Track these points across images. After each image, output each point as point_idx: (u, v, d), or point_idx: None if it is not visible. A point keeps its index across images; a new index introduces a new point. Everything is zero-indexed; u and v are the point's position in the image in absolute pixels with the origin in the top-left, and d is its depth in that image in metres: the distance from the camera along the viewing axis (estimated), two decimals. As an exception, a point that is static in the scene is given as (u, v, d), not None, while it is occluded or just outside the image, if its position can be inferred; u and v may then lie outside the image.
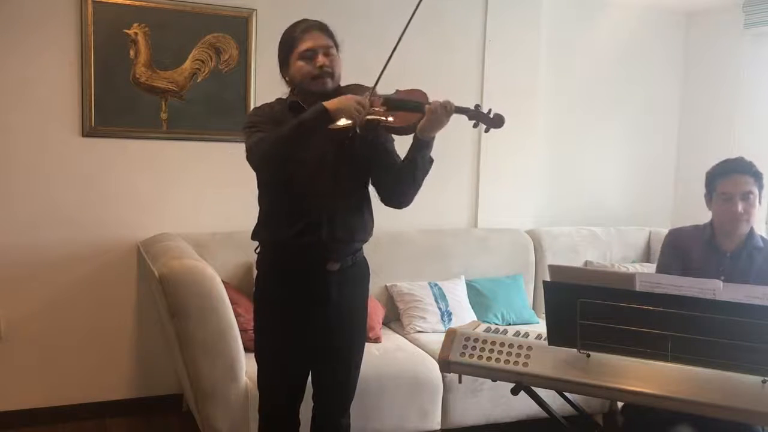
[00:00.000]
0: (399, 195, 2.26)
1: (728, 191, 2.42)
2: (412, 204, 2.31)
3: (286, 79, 2.23)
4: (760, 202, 2.44)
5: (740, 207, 2.40)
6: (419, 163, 2.16)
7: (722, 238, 2.48)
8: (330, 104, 2.02)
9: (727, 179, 2.44)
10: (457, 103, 2.13)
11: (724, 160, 2.53)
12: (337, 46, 2.20)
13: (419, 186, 2.22)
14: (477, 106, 2.15)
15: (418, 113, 2.11)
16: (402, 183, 2.22)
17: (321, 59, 2.14)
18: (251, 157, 2.11)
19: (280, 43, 2.22)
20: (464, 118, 2.16)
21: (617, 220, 4.39)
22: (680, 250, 2.52)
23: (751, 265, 2.41)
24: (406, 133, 2.15)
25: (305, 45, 2.14)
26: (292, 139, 2.04)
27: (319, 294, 2.23)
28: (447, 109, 2.07)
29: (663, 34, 4.49)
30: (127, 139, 3.30)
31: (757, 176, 2.44)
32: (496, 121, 2.14)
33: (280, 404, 2.33)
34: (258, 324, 2.33)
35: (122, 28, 3.21)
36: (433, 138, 2.14)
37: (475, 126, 2.17)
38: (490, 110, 2.15)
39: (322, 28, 2.18)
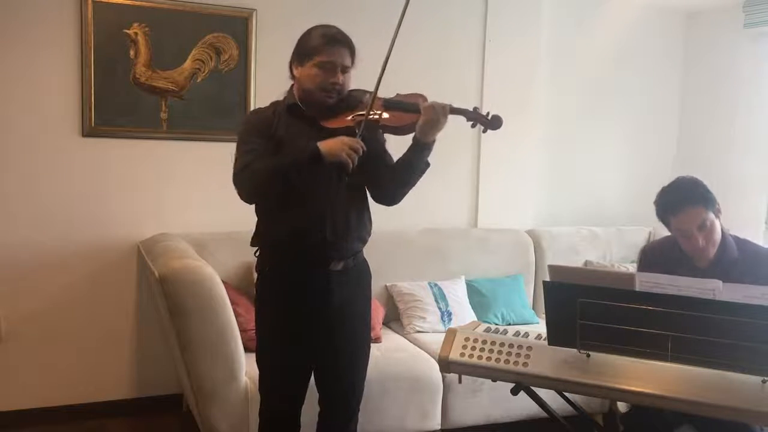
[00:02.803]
0: (391, 194, 2.28)
1: (683, 228, 2.29)
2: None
3: (294, 73, 2.22)
4: (719, 216, 2.31)
5: (701, 240, 2.27)
6: (415, 165, 2.17)
7: (694, 259, 2.36)
8: (324, 146, 2.05)
9: (678, 215, 2.28)
10: (457, 103, 2.13)
11: (668, 189, 2.36)
12: (353, 65, 2.22)
13: (412, 187, 2.24)
14: (475, 108, 2.17)
15: (416, 114, 2.13)
16: (396, 183, 2.24)
17: (338, 77, 2.16)
18: (236, 184, 2.14)
19: (305, 40, 2.19)
20: (463, 119, 2.18)
21: (617, 220, 4.39)
22: (656, 270, 2.32)
23: (726, 280, 2.23)
24: (404, 133, 2.17)
25: (328, 57, 2.14)
26: (280, 177, 2.10)
27: (321, 294, 2.22)
28: (444, 108, 2.09)
29: (663, 34, 4.49)
30: (127, 139, 3.30)
31: (707, 199, 2.29)
32: (494, 123, 2.15)
33: (281, 407, 2.32)
34: (260, 325, 2.32)
35: (122, 28, 3.21)
36: (433, 142, 2.15)
37: (473, 126, 2.19)
38: (488, 113, 2.16)
39: (350, 47, 2.18)
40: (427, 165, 2.20)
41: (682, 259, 2.37)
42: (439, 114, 2.09)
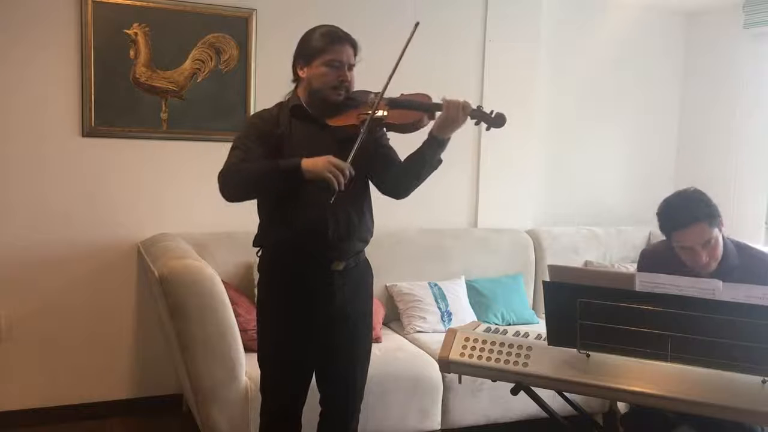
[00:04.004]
0: (400, 188, 2.29)
1: (687, 245, 2.25)
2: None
3: (299, 74, 2.23)
4: (722, 228, 2.27)
5: (704, 257, 2.23)
6: (428, 160, 2.18)
7: (695, 269, 2.31)
8: (306, 164, 2.05)
9: (681, 232, 2.24)
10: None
11: (672, 203, 2.30)
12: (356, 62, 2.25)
13: (422, 181, 2.25)
14: (479, 107, 2.17)
15: (420, 112, 2.15)
16: (407, 177, 2.24)
17: (346, 74, 2.18)
18: (219, 181, 2.16)
19: (308, 40, 2.21)
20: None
21: (617, 220, 4.39)
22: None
23: None
24: (409, 131, 2.18)
25: (335, 56, 2.16)
26: (259, 183, 2.13)
27: (323, 294, 2.22)
28: (465, 107, 2.10)
29: (663, 34, 4.49)
30: (127, 139, 3.30)
31: (711, 215, 2.23)
32: (498, 121, 2.15)
33: (282, 407, 2.32)
34: (261, 325, 2.32)
35: (122, 28, 3.21)
36: (448, 139, 2.15)
37: (476, 124, 2.19)
38: (492, 111, 2.16)
39: (354, 46, 2.21)
40: (440, 161, 2.20)
41: (683, 267, 2.32)
42: (459, 111, 2.09)
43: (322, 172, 2.02)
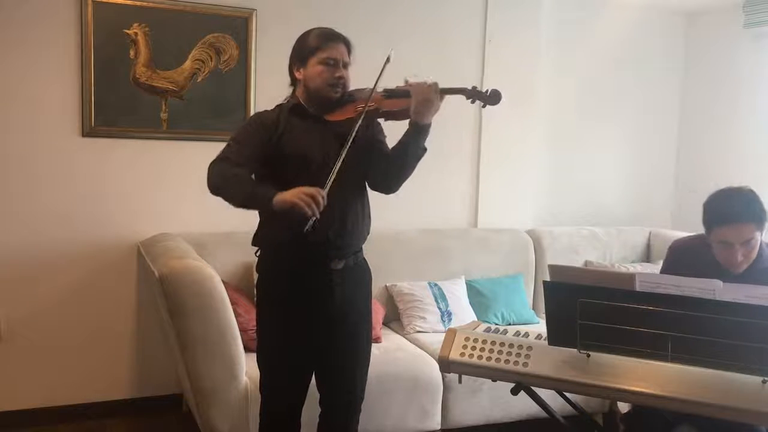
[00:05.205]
0: (388, 181, 2.29)
1: (727, 240, 2.20)
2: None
3: (296, 76, 2.25)
4: (762, 233, 2.24)
5: (740, 255, 2.20)
6: (411, 149, 2.18)
7: (725, 266, 2.28)
8: (278, 198, 2.03)
9: (725, 227, 2.19)
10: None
11: (724, 196, 2.26)
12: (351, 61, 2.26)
13: (409, 173, 2.25)
14: (474, 87, 2.18)
15: (410, 98, 2.17)
16: (392, 168, 2.25)
17: (342, 72, 2.21)
18: (208, 171, 2.15)
19: (302, 42, 2.23)
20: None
21: (617, 220, 4.39)
22: (683, 270, 2.27)
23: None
24: (404, 117, 2.20)
25: (330, 54, 2.18)
26: (230, 197, 2.13)
27: (322, 294, 2.23)
28: (431, 86, 2.10)
29: (663, 34, 4.49)
30: (127, 139, 3.30)
31: (760, 218, 2.19)
32: (493, 98, 2.15)
33: (282, 407, 2.32)
34: (260, 325, 2.32)
35: (122, 28, 3.21)
36: (428, 125, 2.16)
37: (472, 102, 2.19)
38: (487, 89, 2.17)
39: (347, 45, 2.23)
40: (424, 150, 2.20)
41: (714, 263, 2.28)
42: (427, 92, 2.10)
43: (292, 200, 2.00)
